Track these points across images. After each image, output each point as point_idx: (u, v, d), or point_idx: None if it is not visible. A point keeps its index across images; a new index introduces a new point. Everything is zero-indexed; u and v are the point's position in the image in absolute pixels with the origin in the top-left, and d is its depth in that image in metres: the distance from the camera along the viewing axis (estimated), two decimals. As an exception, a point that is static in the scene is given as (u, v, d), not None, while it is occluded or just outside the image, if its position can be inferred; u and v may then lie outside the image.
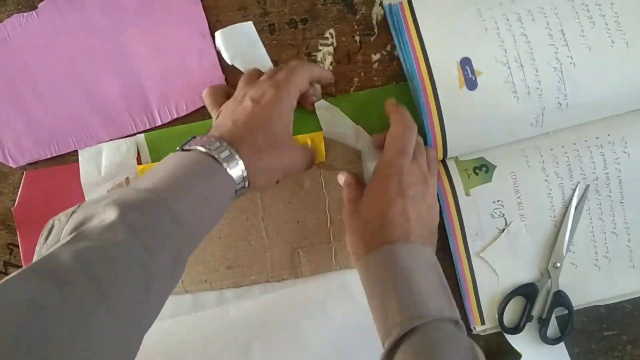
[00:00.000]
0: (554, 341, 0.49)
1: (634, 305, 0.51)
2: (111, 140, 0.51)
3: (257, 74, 0.47)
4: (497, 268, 0.49)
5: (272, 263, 0.50)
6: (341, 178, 0.49)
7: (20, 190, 0.50)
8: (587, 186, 0.49)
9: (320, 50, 0.51)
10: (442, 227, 0.49)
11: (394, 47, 0.51)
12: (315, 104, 0.49)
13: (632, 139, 0.49)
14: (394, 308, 0.38)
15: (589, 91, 0.47)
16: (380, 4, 0.51)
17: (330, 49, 0.51)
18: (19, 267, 0.51)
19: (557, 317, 0.50)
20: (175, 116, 0.51)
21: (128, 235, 0.30)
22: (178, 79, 0.50)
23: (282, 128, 0.42)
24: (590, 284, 0.50)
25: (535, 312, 0.49)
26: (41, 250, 0.32)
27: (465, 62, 0.47)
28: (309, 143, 0.49)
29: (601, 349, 0.51)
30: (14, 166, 0.51)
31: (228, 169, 0.37)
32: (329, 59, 0.51)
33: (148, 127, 0.51)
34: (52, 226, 0.33)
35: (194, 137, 0.40)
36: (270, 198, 0.50)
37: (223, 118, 0.42)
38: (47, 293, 0.26)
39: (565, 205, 0.49)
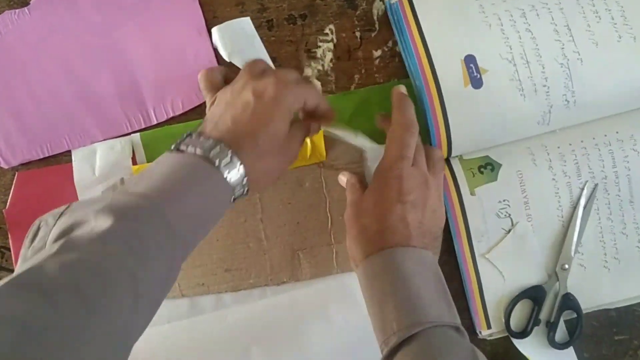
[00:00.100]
0: (562, 346, 0.48)
1: (646, 308, 0.50)
2: (105, 139, 0.50)
3: (262, 65, 0.43)
4: (504, 270, 0.49)
5: (272, 266, 0.50)
6: (342, 179, 0.48)
7: (11, 191, 0.50)
8: (596, 185, 0.49)
9: (319, 47, 0.50)
10: (446, 227, 0.48)
11: (395, 43, 0.50)
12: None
13: (642, 137, 0.49)
14: (392, 316, 0.38)
15: (596, 88, 0.47)
16: (382, -1, 0.50)
17: (330, 45, 0.50)
18: (11, 271, 0.50)
19: (565, 321, 0.49)
20: (172, 115, 0.50)
21: (119, 246, 0.30)
22: (174, 77, 0.50)
23: (283, 127, 0.39)
24: (599, 286, 0.49)
25: (543, 315, 0.49)
26: (27, 253, 0.32)
27: (470, 60, 0.46)
28: (309, 142, 0.48)
29: (612, 354, 0.50)
30: (6, 167, 0.50)
31: (227, 175, 0.36)
32: (329, 55, 0.50)
33: (143, 126, 0.50)
34: (39, 228, 0.32)
35: (189, 134, 0.38)
36: (269, 199, 0.50)
37: (221, 111, 0.39)
38: (36, 310, 0.26)
39: (573, 204, 0.49)
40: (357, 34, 0.50)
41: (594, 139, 0.49)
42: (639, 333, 0.50)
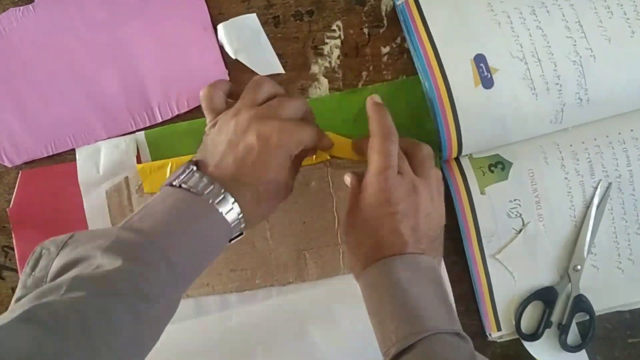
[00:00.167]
0: (574, 349, 0.48)
1: (660, 311, 0.49)
2: (110, 138, 0.50)
3: (266, 88, 0.42)
4: (514, 271, 0.48)
5: (277, 266, 0.49)
6: (347, 179, 0.47)
7: (15, 190, 0.50)
8: (609, 184, 0.48)
9: (327, 44, 0.50)
10: (455, 227, 0.48)
11: (404, 40, 0.50)
12: None
13: (657, 135, 0.48)
14: (391, 327, 0.38)
15: (610, 85, 0.46)
16: (390, -5, 0.50)
17: (338, 41, 0.50)
18: (15, 270, 0.50)
19: (577, 323, 0.49)
20: (176, 113, 0.50)
21: (126, 287, 0.31)
22: (179, 74, 0.50)
23: (284, 174, 0.40)
24: (613, 288, 0.48)
25: (555, 317, 0.48)
26: (27, 281, 0.32)
27: (480, 60, 0.46)
28: None
29: (625, 357, 0.49)
30: (10, 165, 0.50)
31: (226, 216, 0.37)
32: (336, 52, 0.50)
33: (148, 124, 0.50)
34: (40, 255, 0.33)
35: (191, 170, 0.38)
36: (275, 198, 0.49)
37: (223, 151, 0.39)
38: (42, 347, 0.27)
39: (586, 204, 0.48)
40: (365, 30, 0.50)
41: (607, 136, 0.48)
42: (654, 336, 0.49)
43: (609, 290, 0.48)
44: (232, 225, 0.38)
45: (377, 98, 0.44)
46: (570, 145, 0.48)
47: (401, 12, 0.48)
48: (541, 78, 0.45)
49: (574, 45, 0.46)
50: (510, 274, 0.48)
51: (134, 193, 0.49)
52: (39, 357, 0.26)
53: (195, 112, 0.50)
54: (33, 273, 0.32)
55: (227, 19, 0.49)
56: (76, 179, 0.49)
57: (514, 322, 0.48)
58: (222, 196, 0.37)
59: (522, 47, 0.46)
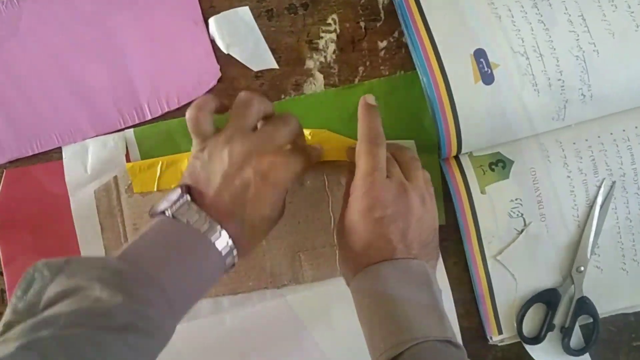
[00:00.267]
0: (578, 352, 0.48)
1: (666, 313, 0.49)
2: (97, 135, 0.49)
3: (255, 108, 0.40)
4: (515, 272, 0.48)
5: (272, 268, 0.49)
6: (344, 180, 0.48)
7: (-1, 190, 0.49)
8: (614, 183, 0.48)
9: (322, 38, 0.49)
10: (455, 228, 0.48)
11: (402, 34, 0.49)
12: None
13: (662, 132, 0.48)
14: (380, 335, 0.38)
15: (614, 81, 0.45)
16: (387, -12, 0.49)
17: (333, 35, 0.49)
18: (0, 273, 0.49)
19: (581, 326, 0.48)
20: (166, 110, 0.49)
21: (124, 322, 0.31)
22: (169, 70, 0.49)
23: (281, 209, 0.40)
24: (617, 290, 0.48)
25: (557, 320, 0.48)
26: (18, 304, 0.31)
27: (480, 54, 0.45)
28: (310, 137, 0.47)
29: None
30: (-7, 164, 0.49)
31: (221, 251, 0.38)
32: (332, 46, 0.49)
33: (137, 122, 0.49)
34: (33, 278, 0.32)
35: (185, 200, 0.37)
36: (269, 197, 0.48)
37: (218, 185, 0.38)
38: None
39: (590, 203, 0.48)
40: (362, 24, 0.49)
41: (611, 134, 0.47)
42: (659, 339, 0.49)
43: (613, 292, 0.48)
44: (227, 258, 0.38)
45: (370, 99, 0.43)
46: (573, 143, 0.47)
47: (399, 5, 0.47)
48: (543, 74, 0.45)
49: (577, 39, 0.45)
50: (512, 276, 0.48)
51: (123, 193, 0.48)
52: None
53: (185, 109, 0.48)
54: (25, 297, 0.32)
55: (218, 12, 0.48)
56: (63, 179, 0.48)
57: (515, 325, 0.48)
58: (217, 232, 0.37)
59: (523, 42, 0.45)
